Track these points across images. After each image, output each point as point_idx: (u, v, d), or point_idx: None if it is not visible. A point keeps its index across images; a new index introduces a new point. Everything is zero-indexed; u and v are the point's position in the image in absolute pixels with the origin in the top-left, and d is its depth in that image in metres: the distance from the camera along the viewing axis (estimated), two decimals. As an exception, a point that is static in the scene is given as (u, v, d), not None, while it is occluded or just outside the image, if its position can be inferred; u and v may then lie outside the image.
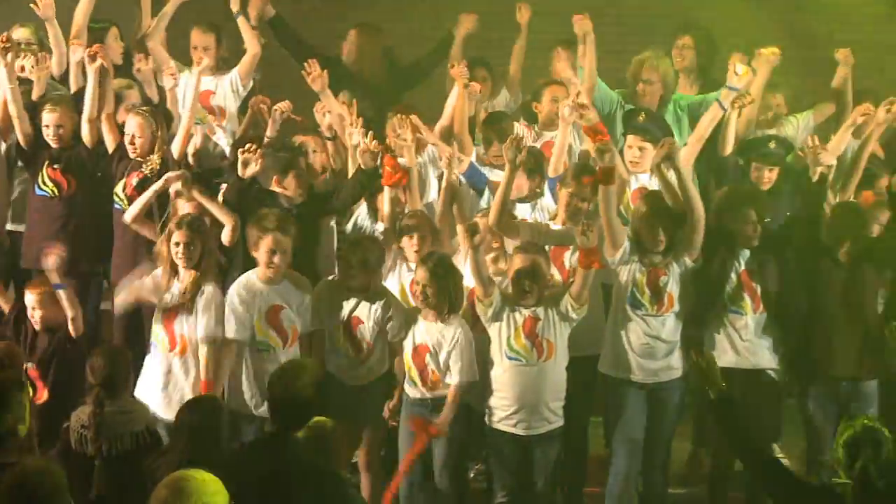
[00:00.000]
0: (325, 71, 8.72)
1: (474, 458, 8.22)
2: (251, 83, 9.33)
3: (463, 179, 8.34)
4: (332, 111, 8.70)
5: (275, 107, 8.73)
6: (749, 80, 8.50)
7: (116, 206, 8.54)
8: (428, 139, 8.49)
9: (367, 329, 7.69)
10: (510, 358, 7.43)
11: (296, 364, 6.41)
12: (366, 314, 7.69)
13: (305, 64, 8.74)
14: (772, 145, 8.45)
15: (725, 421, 6.07)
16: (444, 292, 7.46)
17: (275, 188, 8.22)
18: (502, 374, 7.45)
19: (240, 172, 8.01)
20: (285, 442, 5.70)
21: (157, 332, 7.68)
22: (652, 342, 7.56)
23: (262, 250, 7.64)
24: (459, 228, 7.80)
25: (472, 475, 8.24)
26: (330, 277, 8.01)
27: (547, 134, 8.96)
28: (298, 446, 5.70)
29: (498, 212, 7.65)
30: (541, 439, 7.47)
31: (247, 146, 8.07)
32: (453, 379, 7.49)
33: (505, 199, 7.68)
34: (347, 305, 7.72)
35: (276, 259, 7.62)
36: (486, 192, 8.40)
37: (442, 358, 7.50)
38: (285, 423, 5.73)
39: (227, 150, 8.70)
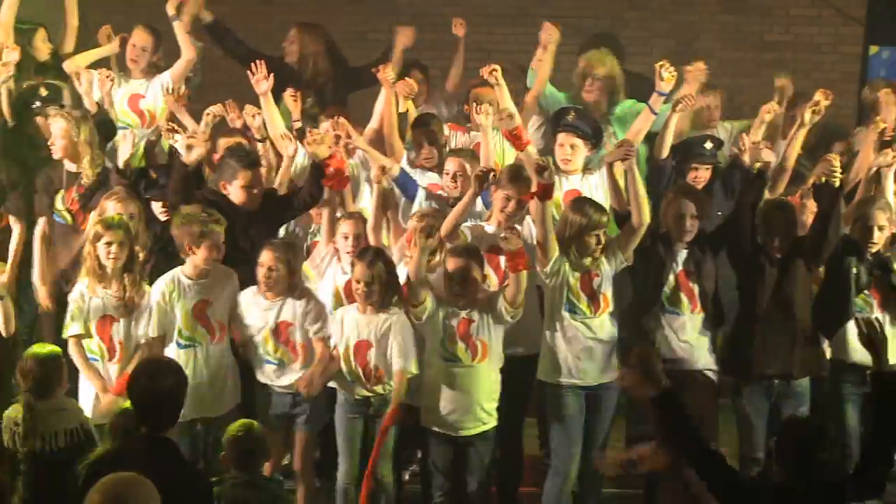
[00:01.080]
0: (272, 74, 8.58)
1: (409, 460, 8.20)
2: (182, 87, 9.26)
3: (395, 187, 8.26)
4: (271, 116, 8.54)
5: (206, 111, 8.63)
6: (674, 83, 8.50)
7: (57, 218, 8.42)
8: (358, 145, 8.43)
9: (297, 331, 7.63)
10: (445, 359, 7.42)
11: (157, 361, 6.16)
12: (291, 315, 7.62)
13: (252, 65, 8.59)
14: (708, 145, 8.48)
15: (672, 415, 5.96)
16: (386, 284, 7.44)
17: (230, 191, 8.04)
18: (437, 375, 7.44)
19: (184, 157, 7.78)
20: (162, 444, 5.55)
21: (91, 345, 7.52)
22: (593, 344, 7.58)
23: (202, 247, 7.48)
24: (414, 228, 7.62)
25: (406, 477, 8.23)
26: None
27: (477, 136, 8.89)
28: (174, 447, 5.60)
29: (451, 226, 7.66)
30: (475, 439, 7.47)
31: (190, 131, 7.87)
32: (395, 364, 7.43)
33: (462, 216, 7.69)
34: (272, 311, 7.62)
35: (215, 255, 7.51)
36: (420, 193, 8.34)
37: (385, 349, 7.46)
38: (156, 423, 5.59)
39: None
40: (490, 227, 7.88)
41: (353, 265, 7.57)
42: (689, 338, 7.71)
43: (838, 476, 5.75)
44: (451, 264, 7.41)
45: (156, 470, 5.03)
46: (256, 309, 7.62)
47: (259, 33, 10.52)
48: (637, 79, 9.82)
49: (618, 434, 8.07)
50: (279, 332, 7.60)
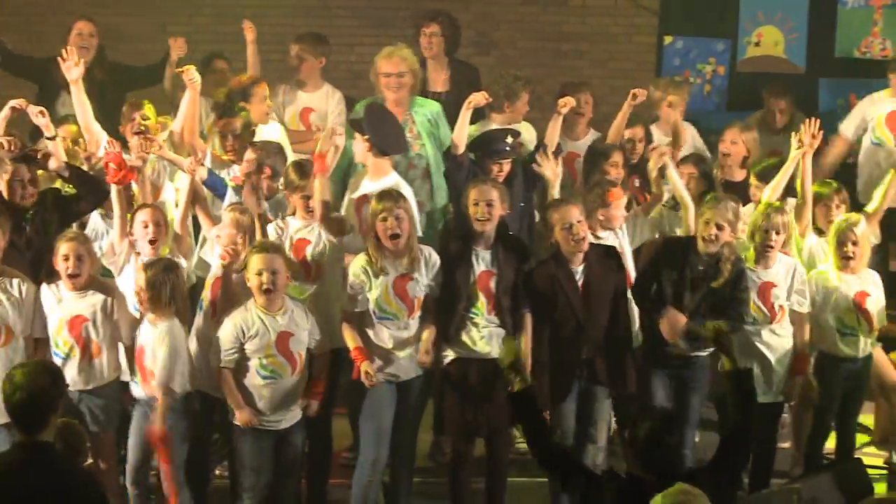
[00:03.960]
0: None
1: (218, 455, 8.15)
2: None
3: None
4: (83, 106, 8.38)
5: (9, 103, 8.42)
6: None
7: None
8: (165, 156, 8.27)
9: (91, 328, 7.51)
10: (264, 377, 7.40)
11: (30, 364, 5.98)
12: (89, 311, 7.51)
13: (63, 51, 8.39)
14: (508, 139, 8.56)
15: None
16: (167, 293, 7.39)
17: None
18: (250, 383, 7.41)
19: None
20: (45, 451, 5.42)
21: None
22: (398, 343, 7.64)
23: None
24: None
25: (218, 472, 8.19)
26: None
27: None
28: (57, 453, 5.48)
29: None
30: (285, 433, 7.48)
31: None
32: (157, 379, 7.38)
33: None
34: (69, 306, 7.51)
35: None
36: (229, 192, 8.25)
37: (157, 357, 7.39)
38: (32, 430, 5.49)
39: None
40: (296, 222, 7.89)
41: (139, 274, 7.48)
42: (488, 326, 7.72)
43: (687, 467, 5.90)
44: (260, 261, 7.34)
45: (40, 478, 4.96)
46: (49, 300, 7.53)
47: (51, 26, 10.34)
48: (462, 66, 9.91)
49: (427, 420, 8.19)
50: (73, 325, 7.49)
